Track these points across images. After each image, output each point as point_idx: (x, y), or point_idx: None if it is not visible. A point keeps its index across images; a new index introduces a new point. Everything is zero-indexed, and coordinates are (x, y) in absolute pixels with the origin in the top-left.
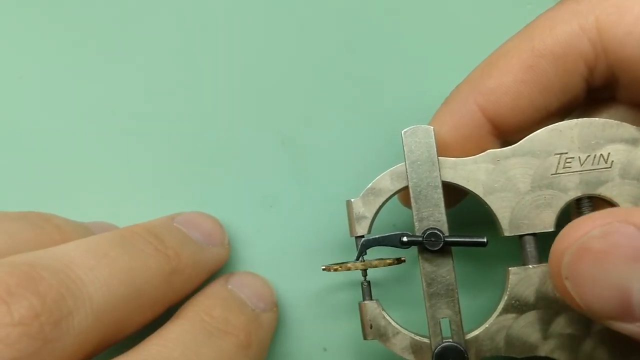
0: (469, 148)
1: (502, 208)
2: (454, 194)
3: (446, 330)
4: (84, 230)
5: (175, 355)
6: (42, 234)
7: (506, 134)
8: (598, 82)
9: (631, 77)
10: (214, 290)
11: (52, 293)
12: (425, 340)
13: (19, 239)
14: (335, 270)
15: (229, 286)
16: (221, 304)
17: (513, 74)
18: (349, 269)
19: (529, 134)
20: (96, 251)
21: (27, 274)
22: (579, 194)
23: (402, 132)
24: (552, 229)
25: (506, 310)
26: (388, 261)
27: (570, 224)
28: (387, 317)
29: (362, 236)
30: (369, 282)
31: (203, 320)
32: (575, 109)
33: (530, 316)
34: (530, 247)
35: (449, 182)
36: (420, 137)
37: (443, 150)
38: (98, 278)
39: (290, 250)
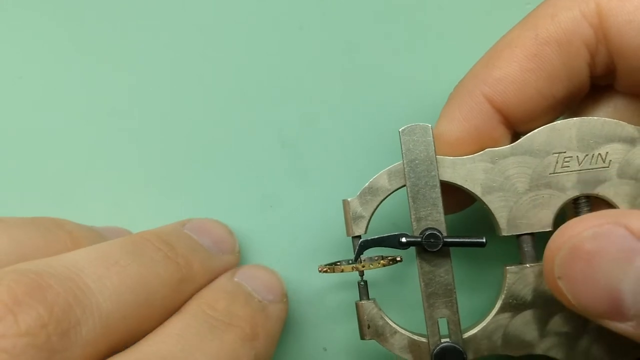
0: (483, 140)
1: (500, 207)
2: (458, 199)
3: (443, 329)
4: (97, 236)
5: (174, 351)
6: (53, 240)
7: (516, 124)
8: (599, 69)
9: (629, 66)
10: (220, 283)
11: (59, 302)
12: (423, 339)
13: (29, 245)
14: (326, 271)
15: (236, 279)
16: (225, 297)
17: (518, 63)
18: (342, 271)
19: (539, 124)
20: (106, 259)
21: (34, 282)
22: (576, 193)
23: (400, 130)
24: (550, 229)
25: (503, 309)
26: (383, 262)
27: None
28: (385, 317)
29: (359, 236)
30: (365, 282)
31: (206, 314)
32: (582, 97)
33: (527, 315)
34: (527, 246)
35: (447, 181)
36: (418, 135)
37: (456, 145)
38: (107, 287)
39: (290, 250)
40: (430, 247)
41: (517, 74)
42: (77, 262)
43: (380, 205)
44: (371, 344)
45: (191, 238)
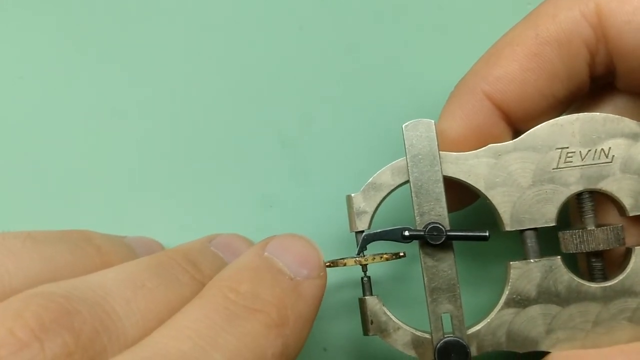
0: (484, 137)
1: (503, 203)
2: (461, 197)
3: (447, 326)
4: (125, 250)
5: (184, 349)
6: (81, 255)
7: (516, 122)
8: (599, 68)
9: (628, 66)
10: (246, 260)
11: (86, 329)
12: (427, 335)
13: (57, 262)
14: (329, 266)
15: (266, 253)
16: (251, 277)
17: (518, 62)
18: (345, 265)
19: (539, 123)
20: (134, 281)
21: (62, 307)
22: (580, 188)
23: (403, 125)
24: (553, 224)
25: (507, 305)
26: (386, 256)
27: None
28: (388, 313)
29: (362, 231)
30: (369, 278)
31: (227, 299)
32: (582, 96)
33: (532, 311)
34: (531, 241)
35: (450, 176)
36: (421, 131)
37: (458, 142)
38: (134, 311)
39: None
40: (433, 240)
41: (518, 72)
42: (105, 284)
43: (382, 203)
44: (371, 343)
45: (218, 257)
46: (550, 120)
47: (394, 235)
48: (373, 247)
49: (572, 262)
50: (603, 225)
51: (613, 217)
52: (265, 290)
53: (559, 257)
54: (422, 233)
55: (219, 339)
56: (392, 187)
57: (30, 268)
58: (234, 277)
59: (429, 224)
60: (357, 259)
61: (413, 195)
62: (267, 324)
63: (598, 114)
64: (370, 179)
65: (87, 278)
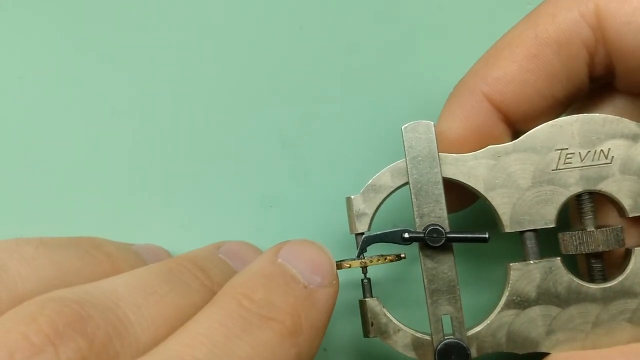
0: (484, 138)
1: (502, 204)
2: (460, 198)
3: (447, 327)
4: (134, 258)
5: (198, 356)
6: (91, 262)
7: (516, 122)
8: (599, 69)
9: (628, 67)
10: (259, 267)
11: (99, 334)
12: (427, 337)
13: (68, 268)
14: None
15: (279, 260)
16: (264, 284)
17: (518, 63)
18: (348, 267)
19: (538, 123)
20: (145, 287)
21: (75, 313)
22: (579, 189)
23: (403, 127)
24: (553, 225)
25: (507, 306)
26: (389, 258)
27: None
28: (388, 315)
29: (362, 233)
30: (369, 279)
31: (241, 307)
32: (581, 96)
33: (532, 312)
34: (531, 242)
35: (449, 178)
36: (420, 132)
37: (458, 143)
38: (145, 317)
39: None
40: (433, 242)
41: (517, 73)
42: (116, 290)
43: (382, 205)
44: (371, 344)
45: (226, 264)
46: (550, 122)
47: (393, 237)
48: (373, 249)
49: (572, 264)
50: (603, 227)
51: (613, 218)
52: (280, 298)
53: (558, 258)
54: (421, 235)
55: (233, 347)
56: (392, 189)
57: (43, 274)
58: (248, 284)
59: (429, 225)
60: (361, 260)
61: (413, 196)
62: (281, 332)
63: (597, 115)
64: (370, 181)
65: (98, 284)
